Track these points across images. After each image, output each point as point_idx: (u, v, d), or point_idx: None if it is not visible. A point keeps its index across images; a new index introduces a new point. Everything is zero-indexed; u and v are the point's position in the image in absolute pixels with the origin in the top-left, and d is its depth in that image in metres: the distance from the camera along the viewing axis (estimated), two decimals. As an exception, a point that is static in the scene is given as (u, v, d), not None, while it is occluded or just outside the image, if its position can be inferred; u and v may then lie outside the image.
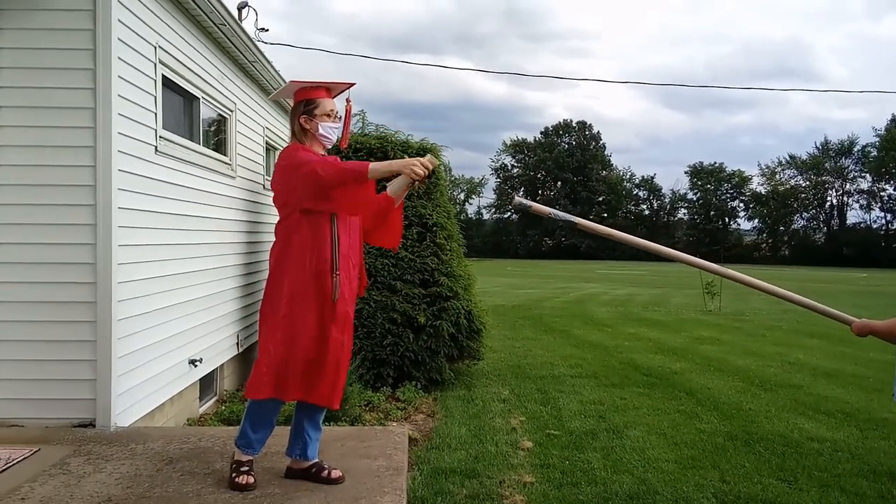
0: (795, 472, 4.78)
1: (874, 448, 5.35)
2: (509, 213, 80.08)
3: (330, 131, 3.51)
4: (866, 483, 4.58)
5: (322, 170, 3.23)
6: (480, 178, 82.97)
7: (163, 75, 4.95)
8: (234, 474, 3.45)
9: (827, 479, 4.67)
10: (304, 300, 3.36)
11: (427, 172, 3.22)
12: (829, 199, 74.44)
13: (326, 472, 3.54)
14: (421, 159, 3.20)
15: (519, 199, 3.47)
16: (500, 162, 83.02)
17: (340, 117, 3.60)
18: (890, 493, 4.30)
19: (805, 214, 74.86)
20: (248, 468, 3.47)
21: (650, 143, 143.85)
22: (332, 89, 3.60)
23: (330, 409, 3.71)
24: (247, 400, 3.51)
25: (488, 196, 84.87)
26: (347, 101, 3.66)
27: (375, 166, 3.23)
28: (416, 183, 3.31)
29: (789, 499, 4.28)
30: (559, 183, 79.56)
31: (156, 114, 4.82)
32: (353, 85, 3.62)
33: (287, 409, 4.05)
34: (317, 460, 3.61)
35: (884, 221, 70.40)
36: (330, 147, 3.59)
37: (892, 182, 69.22)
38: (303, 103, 3.53)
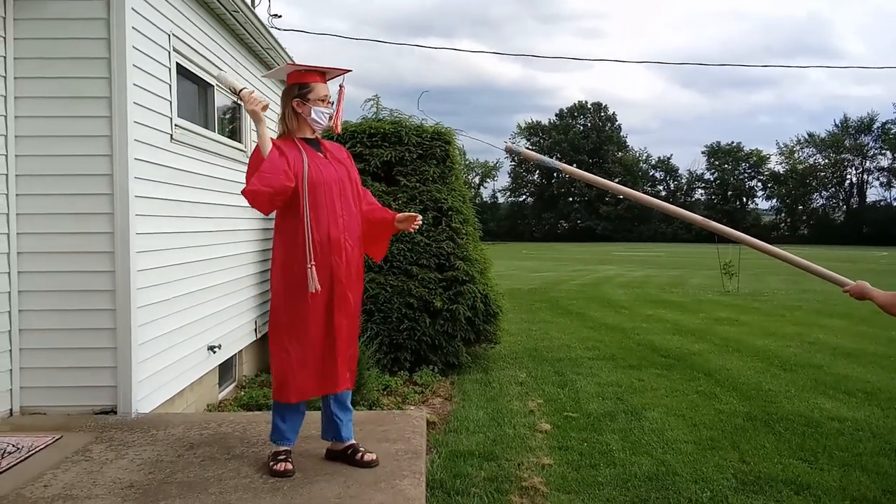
0: (816, 452, 4.76)
1: (896, 427, 5.31)
2: (524, 197, 79.91)
3: (322, 116, 3.49)
4: (888, 462, 4.55)
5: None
6: (495, 161, 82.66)
7: (177, 63, 4.96)
8: (271, 462, 3.47)
9: (848, 458, 4.64)
10: (299, 297, 3.38)
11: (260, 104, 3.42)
12: (848, 176, 73.65)
13: (361, 454, 3.56)
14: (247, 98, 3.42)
15: (510, 144, 3.73)
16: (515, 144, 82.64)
17: (332, 102, 3.57)
18: (912, 472, 4.27)
19: (824, 193, 74.12)
20: (284, 457, 3.49)
21: (667, 124, 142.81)
22: (326, 74, 3.57)
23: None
24: (268, 388, 3.55)
25: (503, 180, 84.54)
26: (340, 86, 3.61)
27: (260, 137, 3.38)
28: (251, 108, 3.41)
29: (810, 478, 4.26)
30: (574, 165, 78.93)
31: (170, 102, 4.83)
32: (348, 71, 3.59)
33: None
34: (352, 441, 3.63)
35: (905, 199, 69.55)
36: (320, 132, 3.57)
37: (912, 159, 68.27)
38: (297, 87, 3.50)
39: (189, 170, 5.11)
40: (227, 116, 6.45)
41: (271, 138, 3.44)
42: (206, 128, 5.64)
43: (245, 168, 6.31)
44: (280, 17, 13.29)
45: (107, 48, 4.19)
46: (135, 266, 4.29)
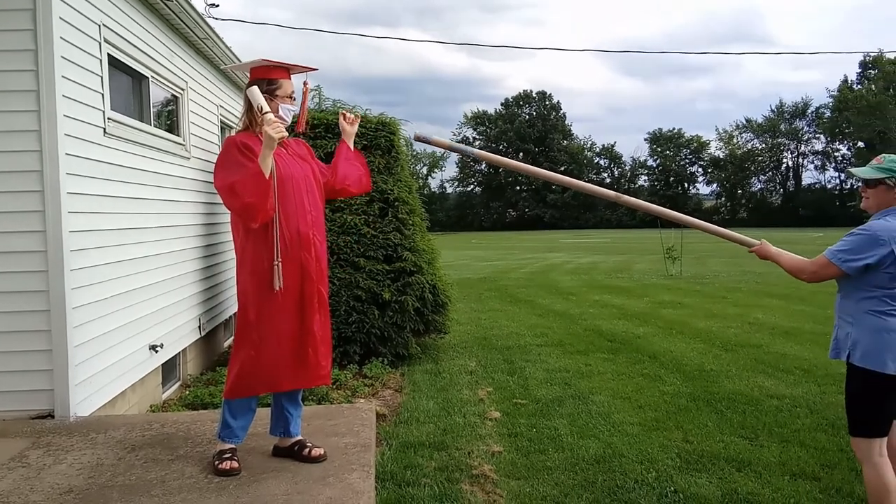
0: (756, 429, 4.90)
1: (832, 403, 5.49)
2: (472, 186, 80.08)
3: (288, 113, 3.49)
4: (825, 437, 4.71)
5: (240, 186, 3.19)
6: (442, 151, 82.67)
7: (108, 55, 4.80)
8: (216, 461, 3.41)
9: (787, 434, 4.79)
10: (270, 293, 3.32)
11: (286, 123, 3.37)
12: (784, 161, 75.75)
13: (308, 449, 3.54)
14: (270, 122, 3.21)
15: (418, 132, 3.80)
16: (461, 135, 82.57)
17: (294, 98, 3.55)
18: (848, 445, 4.41)
19: (762, 177, 76.06)
20: (230, 455, 3.43)
21: (610, 112, 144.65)
22: (292, 70, 3.54)
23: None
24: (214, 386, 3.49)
25: (451, 170, 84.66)
26: (305, 83, 3.63)
27: (263, 158, 3.21)
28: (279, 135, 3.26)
29: (751, 455, 4.39)
30: (521, 154, 79.44)
31: (103, 95, 4.67)
32: (314, 70, 3.62)
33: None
34: (300, 437, 3.61)
35: (838, 181, 71.96)
36: (285, 128, 3.51)
37: (845, 142, 70.60)
38: (264, 82, 3.45)
39: (125, 164, 4.96)
40: (165, 110, 6.28)
41: (237, 132, 3.43)
42: (142, 121, 5.48)
43: (184, 162, 6.20)
44: (217, 6, 13.01)
45: (33, 39, 4.03)
46: (69, 265, 4.15)
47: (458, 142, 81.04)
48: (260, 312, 3.35)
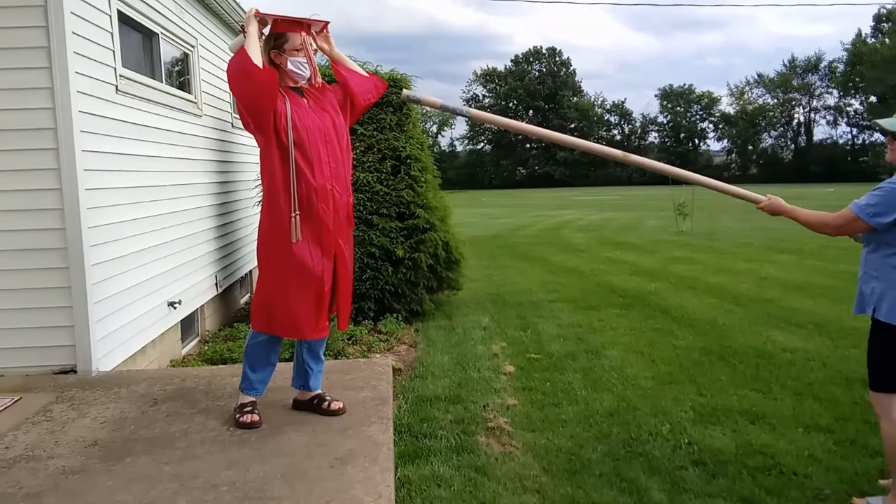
0: (769, 383, 4.93)
1: (845, 356, 5.51)
2: (482, 144, 79.50)
3: (301, 66, 3.38)
4: (839, 390, 4.74)
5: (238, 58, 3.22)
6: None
7: (118, 10, 4.75)
8: (237, 415, 3.47)
9: (800, 387, 4.82)
10: (282, 240, 3.33)
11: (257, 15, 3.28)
12: (796, 116, 74.68)
13: (327, 403, 3.59)
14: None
15: (407, 92, 3.69)
16: (471, 92, 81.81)
17: (315, 51, 3.48)
18: (862, 398, 4.44)
19: (773, 133, 75.12)
20: (251, 408, 3.49)
21: (621, 68, 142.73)
22: (302, 24, 3.46)
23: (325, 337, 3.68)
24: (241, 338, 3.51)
25: (461, 128, 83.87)
26: (302, 35, 3.41)
27: (242, 42, 3.26)
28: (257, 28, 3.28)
29: (764, 408, 4.42)
30: (531, 111, 78.78)
31: (114, 52, 4.64)
32: (327, 23, 3.49)
33: (291, 344, 4.07)
34: (319, 391, 3.65)
35: (850, 136, 71.08)
36: (303, 83, 3.45)
37: (858, 97, 69.49)
38: (272, 37, 3.41)
39: (138, 122, 4.95)
40: (176, 67, 6.24)
41: None
42: (153, 78, 5.45)
43: (196, 120, 6.18)
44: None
45: (42, -6, 3.98)
46: (86, 223, 4.17)
47: (467, 101, 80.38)
48: (279, 261, 3.36)
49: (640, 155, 3.85)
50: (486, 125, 77.81)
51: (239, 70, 3.22)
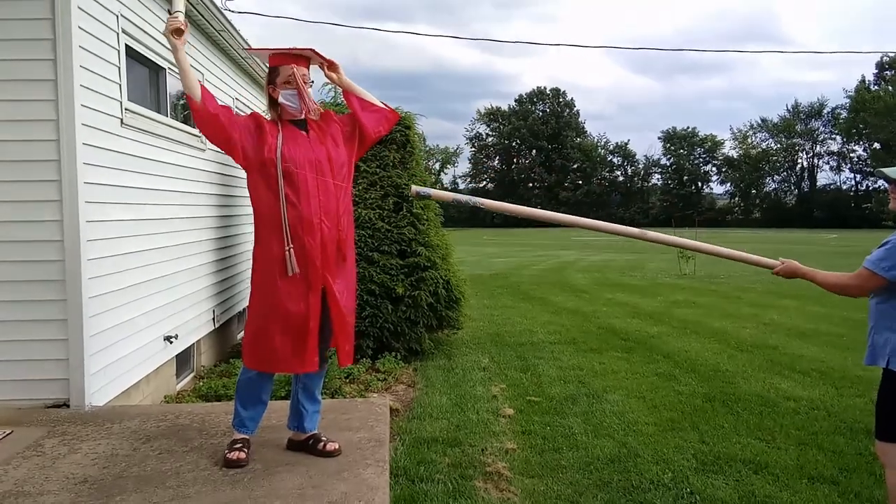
0: (773, 431, 4.84)
1: (850, 406, 5.43)
2: (485, 183, 80.00)
3: (290, 98, 3.37)
4: (843, 440, 4.65)
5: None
6: (455, 147, 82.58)
7: (126, 45, 4.79)
8: (227, 451, 3.42)
9: (804, 437, 4.73)
10: (264, 272, 3.34)
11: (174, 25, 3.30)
12: (799, 161, 75.23)
13: (322, 443, 3.52)
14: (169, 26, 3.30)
15: (416, 188, 3.65)
16: (474, 131, 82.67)
17: (313, 82, 3.50)
18: (867, 449, 4.36)
19: (776, 177, 75.59)
20: (240, 445, 3.43)
21: (624, 110, 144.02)
22: (298, 57, 3.46)
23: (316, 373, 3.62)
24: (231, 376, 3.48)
25: (464, 166, 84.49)
26: (293, 68, 3.39)
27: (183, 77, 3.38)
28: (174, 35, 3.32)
29: (768, 457, 4.34)
30: (534, 151, 79.40)
31: (120, 85, 4.67)
32: (306, 50, 3.45)
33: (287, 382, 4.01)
34: (315, 432, 3.59)
35: (853, 182, 71.48)
36: (299, 116, 3.43)
37: (861, 143, 70.00)
38: (268, 72, 3.49)
39: (141, 155, 4.96)
40: (181, 101, 6.28)
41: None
42: (159, 112, 5.48)
43: (199, 154, 6.19)
44: (234, -1, 12.99)
45: (52, 29, 4.02)
46: (85, 255, 4.15)
47: (470, 139, 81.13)
48: (265, 294, 3.34)
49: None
50: (491, 162, 78.36)
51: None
